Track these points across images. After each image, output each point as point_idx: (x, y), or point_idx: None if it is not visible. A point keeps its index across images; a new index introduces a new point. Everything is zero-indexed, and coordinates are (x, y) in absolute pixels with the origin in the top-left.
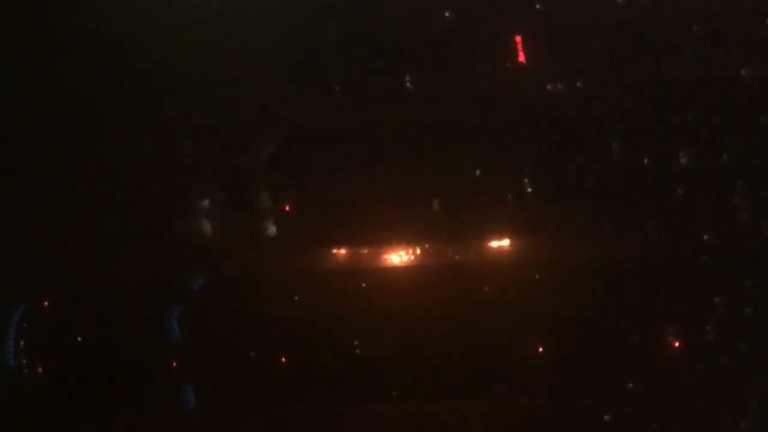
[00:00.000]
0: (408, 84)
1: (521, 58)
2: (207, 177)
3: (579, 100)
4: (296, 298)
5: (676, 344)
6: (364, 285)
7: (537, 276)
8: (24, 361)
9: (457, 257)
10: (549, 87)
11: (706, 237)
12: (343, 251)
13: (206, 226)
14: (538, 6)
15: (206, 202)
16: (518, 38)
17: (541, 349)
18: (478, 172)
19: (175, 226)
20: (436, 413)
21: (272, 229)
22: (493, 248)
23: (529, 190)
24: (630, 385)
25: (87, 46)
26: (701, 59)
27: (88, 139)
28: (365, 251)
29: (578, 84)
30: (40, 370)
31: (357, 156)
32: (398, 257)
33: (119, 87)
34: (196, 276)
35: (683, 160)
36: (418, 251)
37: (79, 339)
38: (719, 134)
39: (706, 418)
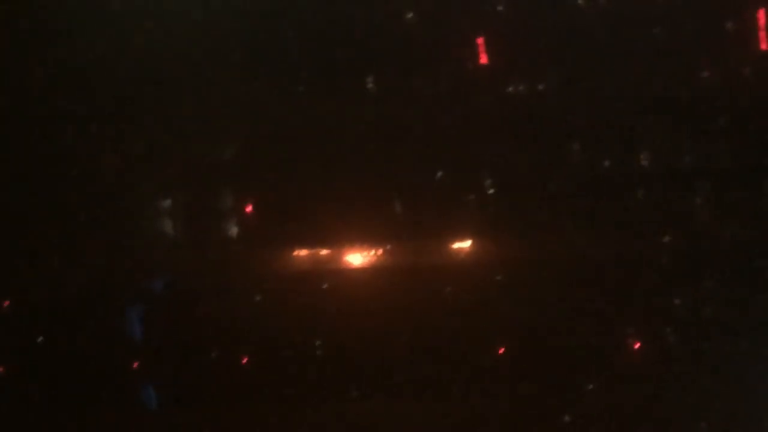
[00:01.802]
0: (370, 85)
1: (483, 59)
2: (168, 177)
3: (540, 102)
4: (258, 298)
5: (637, 345)
6: (325, 286)
7: (498, 277)
8: None
9: (418, 258)
10: (510, 89)
11: (666, 238)
12: (304, 252)
13: (168, 226)
14: (500, 8)
15: (168, 202)
16: (480, 40)
17: (501, 350)
18: (439, 174)
19: (136, 226)
20: (396, 413)
21: (234, 230)
22: (455, 249)
23: (491, 191)
24: (590, 386)
25: (48, 40)
26: (662, 62)
27: (43, 137)
28: (327, 252)
29: (540, 86)
30: (0, 370)
31: (319, 157)
32: (360, 258)
33: (77, 83)
34: (157, 276)
35: (644, 162)
36: (380, 252)
37: (40, 339)
38: (679, 136)
39: (666, 419)
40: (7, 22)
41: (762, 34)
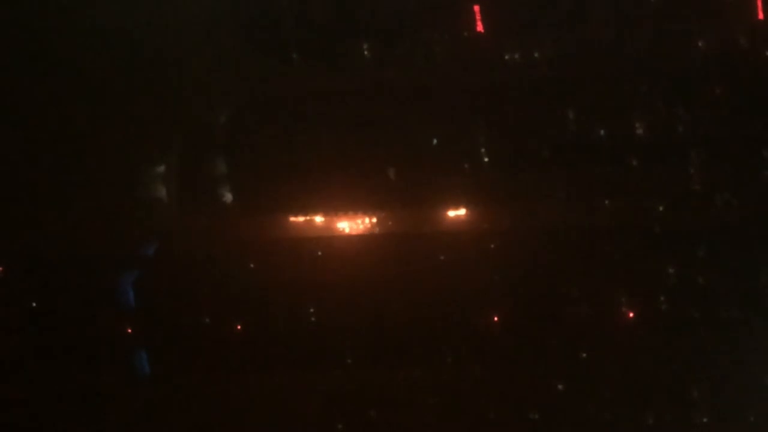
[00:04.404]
0: (366, 52)
1: (479, 27)
2: (162, 142)
3: (535, 70)
4: (252, 265)
5: (630, 314)
6: (319, 253)
7: (493, 245)
8: None
9: (413, 225)
10: (506, 57)
11: (661, 207)
12: (298, 219)
13: (161, 193)
14: None
15: (161, 168)
16: (476, 8)
17: (496, 318)
18: (434, 141)
19: (129, 192)
20: (390, 381)
21: (228, 196)
22: (449, 217)
23: (486, 159)
24: (583, 355)
25: (36, 10)
26: (658, 30)
27: (36, 103)
28: (321, 219)
29: (535, 54)
30: None
31: (313, 123)
32: (354, 225)
33: (72, 50)
34: (150, 242)
35: (639, 130)
36: (374, 219)
37: (34, 305)
38: (675, 105)
39: (657, 388)
40: None
41: (759, 3)
